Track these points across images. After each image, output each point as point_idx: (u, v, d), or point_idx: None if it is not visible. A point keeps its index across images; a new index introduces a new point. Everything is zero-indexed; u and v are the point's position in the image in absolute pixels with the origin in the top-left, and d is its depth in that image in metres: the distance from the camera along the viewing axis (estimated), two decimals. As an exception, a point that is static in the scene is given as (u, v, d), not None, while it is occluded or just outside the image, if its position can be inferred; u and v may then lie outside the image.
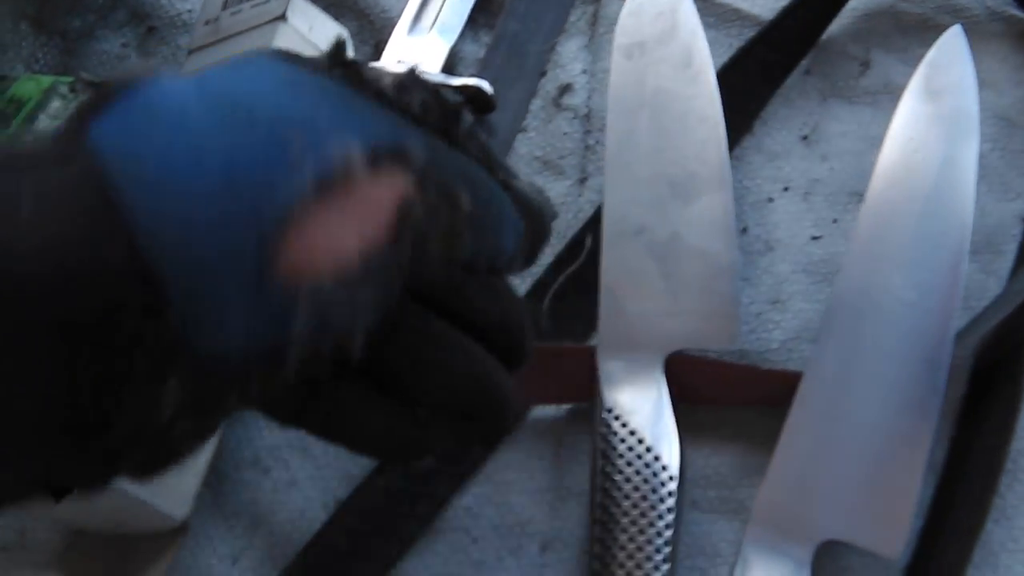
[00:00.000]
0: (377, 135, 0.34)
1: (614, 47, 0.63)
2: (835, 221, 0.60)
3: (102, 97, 0.33)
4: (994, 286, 0.58)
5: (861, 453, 0.50)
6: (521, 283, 0.61)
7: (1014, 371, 0.54)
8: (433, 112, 0.37)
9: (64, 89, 0.68)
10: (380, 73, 0.38)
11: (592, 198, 0.63)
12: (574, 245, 0.61)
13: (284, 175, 0.32)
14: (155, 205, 0.30)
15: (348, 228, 0.32)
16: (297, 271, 0.31)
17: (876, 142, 0.62)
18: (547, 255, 0.61)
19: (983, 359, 0.55)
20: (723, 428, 0.55)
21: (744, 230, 0.61)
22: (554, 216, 0.43)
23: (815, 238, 0.60)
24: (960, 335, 0.53)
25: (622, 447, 0.52)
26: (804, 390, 0.52)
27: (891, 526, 0.48)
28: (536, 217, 0.41)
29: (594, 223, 0.60)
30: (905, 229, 0.54)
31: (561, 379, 0.56)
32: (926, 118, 0.56)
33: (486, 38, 0.72)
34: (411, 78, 0.38)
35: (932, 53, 0.58)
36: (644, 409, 0.53)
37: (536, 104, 0.68)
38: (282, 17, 0.63)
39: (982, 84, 0.62)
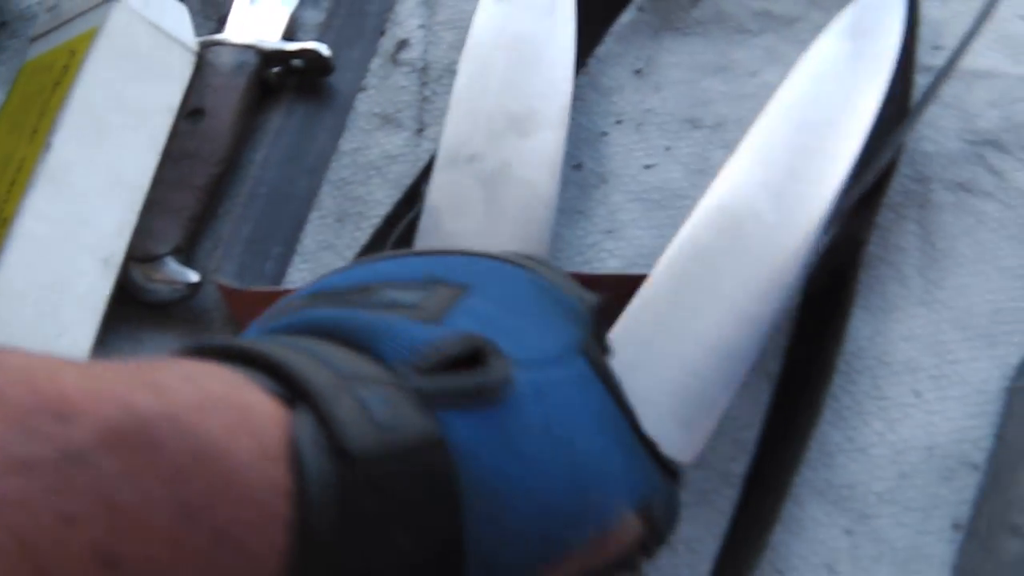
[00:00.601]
0: (642, 492, 0.38)
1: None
2: (667, 149, 0.61)
3: (463, 392, 0.32)
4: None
5: (682, 360, 0.51)
6: (360, 234, 0.62)
7: (845, 275, 0.55)
8: None
9: (-87, 87, 0.68)
10: None
11: (429, 147, 0.64)
12: (411, 193, 0.61)
13: (576, 524, 0.34)
14: (487, 509, 0.31)
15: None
16: None
17: (708, 70, 0.63)
18: (388, 207, 0.62)
19: (814, 268, 0.56)
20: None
21: (579, 166, 0.61)
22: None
23: (648, 167, 0.61)
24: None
25: None
26: (642, 293, 0.52)
27: (692, 434, 0.48)
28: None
29: (430, 170, 0.61)
30: (785, 156, 0.54)
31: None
32: (843, 56, 0.57)
33: (327, 3, 0.72)
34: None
35: None
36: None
37: (375, 63, 0.69)
38: (117, -5, 0.64)
39: (810, 5, 0.64)
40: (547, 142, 0.58)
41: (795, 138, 0.54)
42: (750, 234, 0.51)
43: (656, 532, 0.39)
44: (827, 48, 0.57)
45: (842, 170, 0.52)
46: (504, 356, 0.33)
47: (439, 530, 0.29)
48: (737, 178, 0.53)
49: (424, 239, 0.56)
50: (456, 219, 0.56)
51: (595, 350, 0.39)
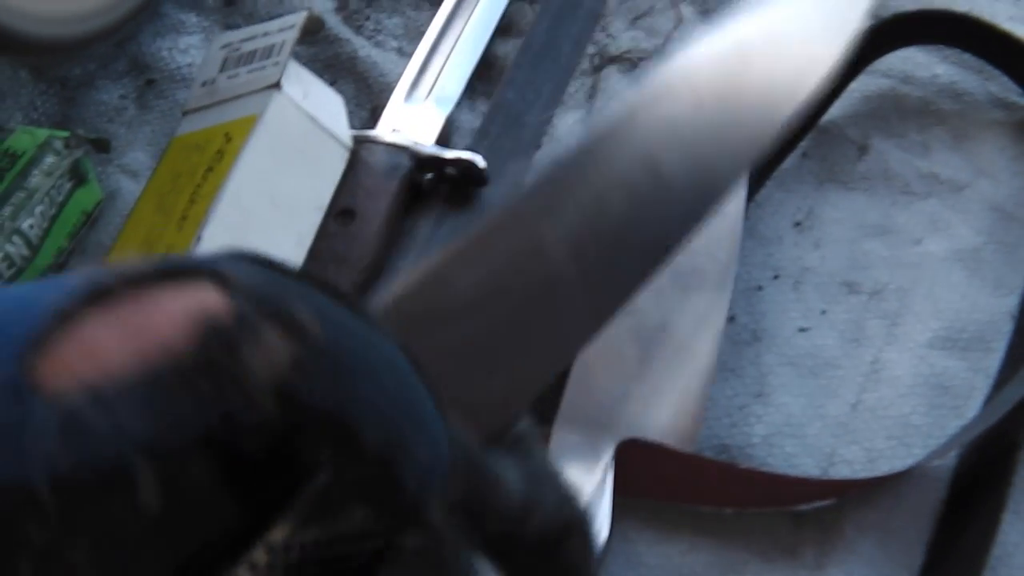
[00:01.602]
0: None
1: None
2: (823, 312, 0.60)
3: None
4: (981, 384, 0.57)
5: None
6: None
7: (999, 479, 0.54)
8: None
9: (59, 144, 0.68)
10: None
11: (580, 279, 0.62)
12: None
13: (56, 285, 0.27)
14: None
15: (117, 337, 0.26)
16: (55, 384, 0.26)
17: (870, 231, 0.62)
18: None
19: (965, 465, 0.54)
20: (700, 525, 0.54)
21: (732, 319, 0.60)
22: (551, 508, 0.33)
23: (802, 329, 0.60)
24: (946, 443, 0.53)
25: None
26: None
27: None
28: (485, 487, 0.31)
29: (581, 306, 0.60)
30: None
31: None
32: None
33: (483, 107, 0.71)
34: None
35: None
36: (583, 488, 0.53)
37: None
38: (277, 85, 0.63)
39: (979, 173, 0.62)
40: (709, 304, 0.57)
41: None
42: None
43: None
44: None
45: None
46: None
47: None
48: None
49: (572, 395, 0.55)
50: (608, 375, 0.55)
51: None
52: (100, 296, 0.26)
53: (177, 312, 0.26)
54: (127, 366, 0.25)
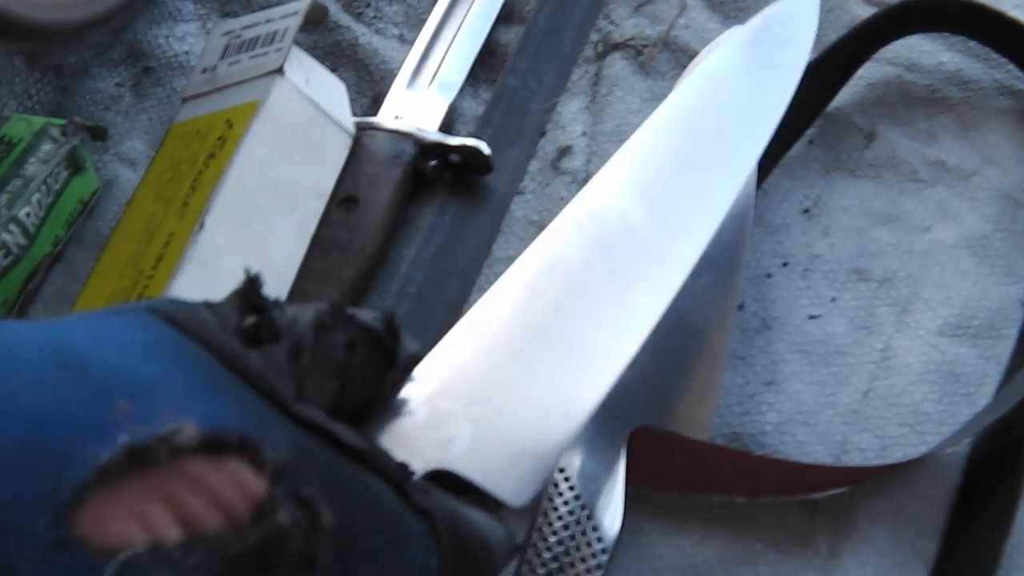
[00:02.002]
0: (230, 420, 0.31)
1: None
2: (833, 300, 0.59)
3: None
4: (993, 371, 0.56)
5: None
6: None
7: (1013, 466, 0.53)
8: (362, 352, 0.35)
9: (55, 132, 0.67)
10: (298, 313, 0.35)
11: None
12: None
13: (96, 436, 0.29)
14: None
15: (161, 506, 0.29)
16: (101, 540, 0.28)
17: (878, 219, 0.61)
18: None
19: (979, 452, 0.54)
20: (712, 514, 0.54)
21: (741, 306, 0.60)
22: (507, 553, 0.38)
23: (812, 317, 0.59)
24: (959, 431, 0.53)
25: (563, 509, 0.51)
26: (494, 314, 0.49)
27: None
28: (465, 552, 0.36)
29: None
30: (670, 165, 0.51)
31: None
32: (748, 66, 0.55)
33: (486, 94, 0.71)
34: (335, 316, 0.36)
35: (780, 5, 0.59)
36: (596, 476, 0.52)
37: (534, 166, 0.67)
38: (279, 70, 0.62)
39: (986, 161, 0.62)
40: (720, 291, 0.56)
41: (684, 147, 0.52)
42: (620, 249, 0.48)
43: (269, 470, 0.31)
44: (731, 57, 0.56)
45: (734, 186, 0.51)
46: None
47: None
48: (611, 186, 0.50)
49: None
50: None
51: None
52: (140, 459, 0.29)
53: (223, 492, 0.30)
54: (171, 535, 0.29)
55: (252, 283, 0.35)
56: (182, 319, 0.33)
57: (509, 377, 0.43)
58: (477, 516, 0.37)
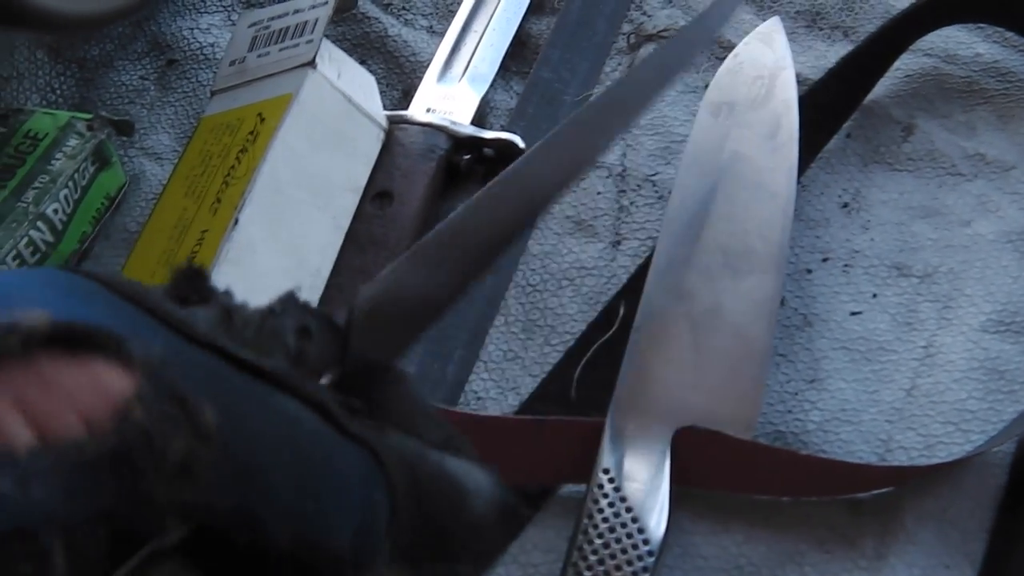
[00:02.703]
0: (96, 319, 0.28)
1: (702, 103, 0.61)
2: (875, 296, 0.59)
3: None
4: (1036, 368, 0.56)
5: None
6: (550, 349, 0.59)
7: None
8: (316, 340, 0.32)
9: (81, 126, 0.66)
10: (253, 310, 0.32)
11: (625, 263, 0.61)
12: (608, 313, 0.59)
13: None
14: None
15: (11, 410, 0.26)
16: None
17: (918, 213, 0.61)
18: (579, 322, 0.60)
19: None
20: (757, 514, 0.53)
21: (782, 302, 0.59)
22: (491, 503, 0.34)
23: (854, 313, 0.58)
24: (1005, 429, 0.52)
25: (609, 511, 0.50)
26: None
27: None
28: (428, 492, 0.33)
29: (628, 290, 0.59)
30: None
31: (574, 454, 0.54)
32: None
33: (518, 87, 0.70)
34: (284, 301, 0.33)
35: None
36: (641, 477, 0.51)
37: (568, 160, 0.66)
38: (311, 63, 0.62)
39: (1027, 154, 0.61)
40: (763, 288, 0.55)
41: None
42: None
43: (137, 368, 0.28)
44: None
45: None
46: None
47: None
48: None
49: (626, 382, 0.54)
50: (662, 362, 0.54)
51: None
52: None
53: (80, 393, 0.26)
54: (28, 442, 0.26)
55: (191, 268, 0.33)
56: (99, 274, 0.31)
57: None
58: (452, 462, 0.33)
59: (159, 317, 0.29)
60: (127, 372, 0.27)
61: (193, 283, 0.32)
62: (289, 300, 0.33)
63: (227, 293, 0.33)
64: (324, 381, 0.33)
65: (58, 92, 0.73)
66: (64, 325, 0.27)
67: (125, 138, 0.71)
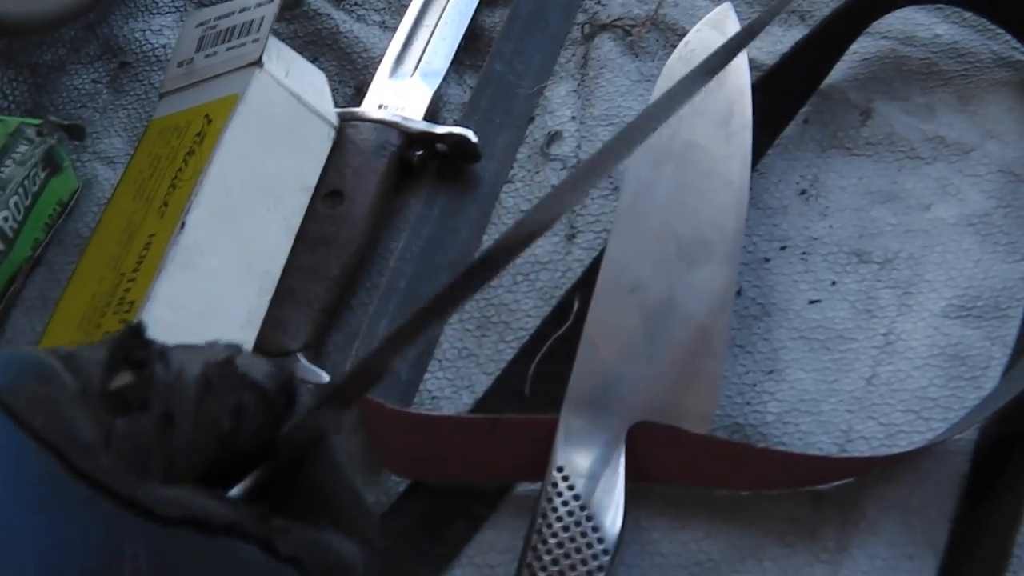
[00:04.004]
0: (68, 554, 0.29)
1: (655, 91, 0.61)
2: (834, 284, 0.58)
3: None
4: (999, 354, 0.55)
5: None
6: (504, 346, 0.58)
7: (1023, 453, 0.52)
8: (250, 418, 0.33)
9: (31, 132, 0.65)
10: (185, 364, 0.33)
11: (580, 256, 0.60)
12: (562, 308, 0.58)
13: None
14: None
15: None
16: None
17: (877, 198, 0.60)
18: (534, 318, 0.59)
19: (987, 438, 0.52)
20: (716, 509, 0.52)
21: (739, 292, 0.58)
22: (366, 568, 0.36)
23: (813, 302, 0.57)
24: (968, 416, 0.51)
25: (562, 509, 0.49)
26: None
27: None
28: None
29: (583, 284, 0.58)
30: None
31: (529, 452, 0.53)
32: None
33: (472, 81, 0.69)
34: (223, 375, 0.33)
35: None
36: (595, 474, 0.50)
37: (523, 152, 0.65)
38: (258, 62, 0.61)
39: (986, 135, 0.60)
40: (718, 278, 0.55)
41: None
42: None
43: None
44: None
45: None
46: None
47: None
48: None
49: (579, 377, 0.53)
50: (615, 356, 0.53)
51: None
52: None
53: None
54: None
55: (129, 336, 0.33)
56: (26, 408, 0.31)
57: None
58: (334, 539, 0.35)
59: (121, 499, 0.30)
60: None
61: (130, 383, 0.32)
62: (226, 372, 0.34)
63: (164, 360, 0.33)
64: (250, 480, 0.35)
65: (10, 98, 0.72)
66: None
67: (77, 142, 0.70)
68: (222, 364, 0.34)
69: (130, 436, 0.31)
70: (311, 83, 0.63)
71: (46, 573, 0.29)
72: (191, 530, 0.31)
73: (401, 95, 0.66)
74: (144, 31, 0.74)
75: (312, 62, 0.66)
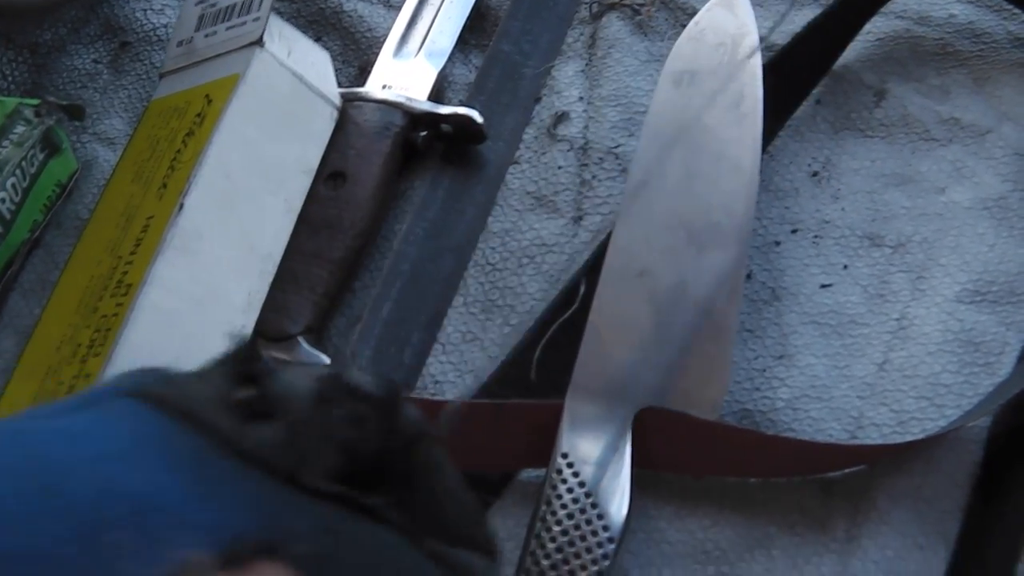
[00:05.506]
0: (241, 523, 0.29)
1: (663, 72, 0.59)
2: (846, 267, 0.57)
3: None
4: (1013, 340, 0.54)
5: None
6: (509, 329, 0.57)
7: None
8: (368, 428, 0.33)
9: (29, 112, 0.64)
10: (297, 379, 0.33)
11: (587, 239, 0.59)
12: (569, 291, 0.57)
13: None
14: None
15: None
16: None
17: (891, 181, 0.59)
18: (540, 301, 0.58)
19: (1001, 426, 0.51)
20: (724, 497, 0.51)
21: (749, 276, 0.57)
22: None
23: (824, 286, 0.56)
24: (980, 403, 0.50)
25: (567, 497, 0.48)
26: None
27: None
28: None
29: (590, 268, 0.57)
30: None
31: (533, 439, 0.52)
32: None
33: (477, 61, 0.68)
34: (335, 388, 0.33)
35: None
36: (600, 461, 0.49)
37: (529, 133, 0.64)
38: (259, 41, 0.60)
39: (1002, 117, 0.59)
40: (728, 262, 0.53)
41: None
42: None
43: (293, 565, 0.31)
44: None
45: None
46: None
47: None
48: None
49: (584, 362, 0.52)
50: (622, 340, 0.52)
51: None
52: None
53: None
54: None
55: (246, 349, 0.33)
56: (171, 400, 0.31)
57: None
58: (461, 553, 0.35)
59: (275, 473, 0.31)
60: (287, 569, 0.28)
61: (256, 394, 0.32)
62: (338, 385, 0.33)
63: (274, 377, 0.33)
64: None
65: (10, 79, 0.71)
66: (228, 552, 0.28)
67: (77, 123, 0.69)
68: (333, 377, 0.34)
69: (260, 445, 0.31)
70: (314, 63, 0.62)
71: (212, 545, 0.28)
72: (345, 510, 0.31)
73: (405, 75, 0.65)
74: (145, 10, 0.73)
75: (315, 41, 0.65)
